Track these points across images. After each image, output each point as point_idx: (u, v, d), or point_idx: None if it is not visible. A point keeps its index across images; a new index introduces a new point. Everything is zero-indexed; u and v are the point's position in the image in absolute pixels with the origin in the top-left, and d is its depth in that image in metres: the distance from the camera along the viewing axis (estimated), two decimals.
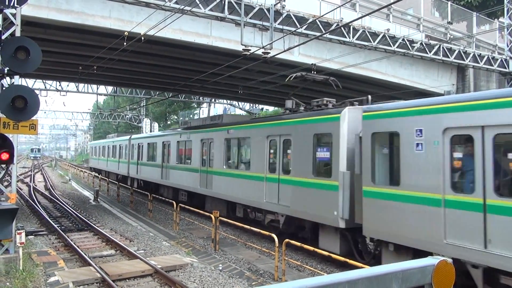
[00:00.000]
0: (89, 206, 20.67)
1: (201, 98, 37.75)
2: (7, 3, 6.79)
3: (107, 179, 29.34)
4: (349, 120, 9.81)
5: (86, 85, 31.64)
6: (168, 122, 61.73)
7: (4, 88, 8.33)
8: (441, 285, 2.05)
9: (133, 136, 29.29)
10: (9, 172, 9.61)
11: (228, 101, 37.67)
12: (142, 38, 12.26)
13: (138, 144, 25.92)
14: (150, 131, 41.69)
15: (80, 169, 48.60)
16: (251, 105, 38.45)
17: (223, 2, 12.54)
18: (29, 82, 28.35)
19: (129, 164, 27.83)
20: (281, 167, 12.03)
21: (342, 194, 9.63)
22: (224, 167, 14.94)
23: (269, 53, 12.58)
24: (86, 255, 10.45)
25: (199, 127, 17.54)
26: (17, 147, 8.77)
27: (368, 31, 15.47)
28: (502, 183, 6.85)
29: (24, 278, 8.32)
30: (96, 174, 35.39)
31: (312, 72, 15.04)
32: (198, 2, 12.25)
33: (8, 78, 8.62)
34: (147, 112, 49.36)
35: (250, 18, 12.89)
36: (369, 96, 10.61)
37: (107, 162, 35.59)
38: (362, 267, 6.61)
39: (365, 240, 10.04)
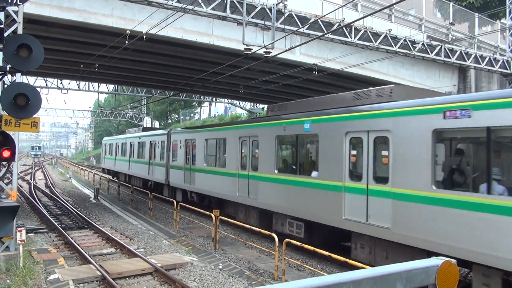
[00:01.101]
0: (90, 204, 20.68)
1: (202, 97, 37.80)
2: (9, 1, 6.79)
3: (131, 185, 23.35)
4: None
5: (87, 83, 31.71)
6: (169, 121, 61.85)
7: (6, 86, 8.33)
8: (445, 285, 2.05)
9: (175, 129, 21.98)
10: (10, 169, 9.60)
11: (229, 100, 37.71)
12: (144, 36, 12.26)
13: (186, 140, 18.69)
14: None
15: (80, 167, 48.68)
16: (252, 104, 38.50)
17: (225, 1, 12.55)
18: (31, 80, 28.39)
19: (168, 168, 20.62)
20: None
21: None
22: (435, 188, 7.57)
23: (271, 52, 12.58)
24: (86, 253, 10.46)
25: (330, 112, 10.37)
26: (18, 145, 8.77)
27: (369, 31, 15.47)
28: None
29: (24, 275, 8.33)
30: (111, 177, 30.26)
31: (314, 72, 15.08)
32: (200, 1, 12.26)
33: (10, 76, 8.62)
34: (148, 110, 49.43)
35: (252, 17, 12.90)
36: None
37: (129, 163, 27.97)
38: (362, 267, 6.60)
39: None
